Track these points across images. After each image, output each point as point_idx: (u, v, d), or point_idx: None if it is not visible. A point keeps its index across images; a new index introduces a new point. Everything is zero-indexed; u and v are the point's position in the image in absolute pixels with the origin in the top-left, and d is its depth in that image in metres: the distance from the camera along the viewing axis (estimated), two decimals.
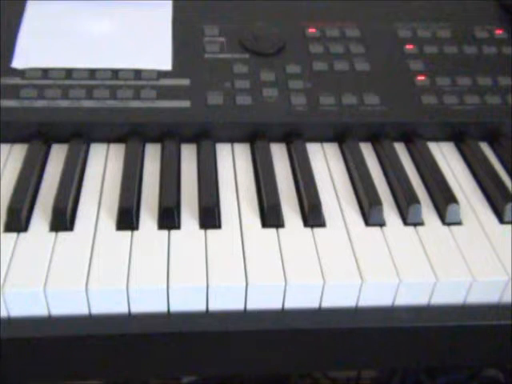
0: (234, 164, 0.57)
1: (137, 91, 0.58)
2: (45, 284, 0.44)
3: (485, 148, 0.61)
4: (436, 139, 0.61)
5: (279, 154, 0.58)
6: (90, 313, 0.45)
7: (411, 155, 0.60)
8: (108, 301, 0.45)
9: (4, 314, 0.45)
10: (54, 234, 0.48)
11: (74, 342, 0.45)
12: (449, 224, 0.52)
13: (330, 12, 0.68)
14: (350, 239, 0.50)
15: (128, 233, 0.49)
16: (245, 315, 0.47)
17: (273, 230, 0.50)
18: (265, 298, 0.46)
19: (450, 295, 0.48)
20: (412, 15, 0.69)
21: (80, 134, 0.57)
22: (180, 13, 0.66)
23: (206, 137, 0.58)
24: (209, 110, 0.58)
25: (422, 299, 0.48)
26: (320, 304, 0.47)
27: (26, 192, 0.51)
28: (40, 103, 0.56)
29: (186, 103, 0.58)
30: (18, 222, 0.48)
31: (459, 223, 0.52)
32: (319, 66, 0.63)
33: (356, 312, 0.48)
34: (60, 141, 0.57)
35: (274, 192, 0.52)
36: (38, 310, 0.44)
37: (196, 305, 0.46)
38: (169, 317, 0.46)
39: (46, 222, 0.49)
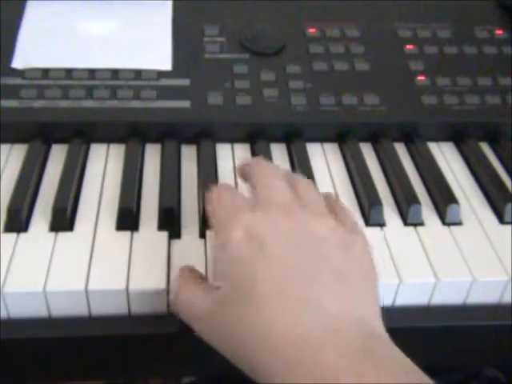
0: (234, 164, 0.57)
1: (137, 91, 0.58)
2: (45, 284, 0.44)
3: (485, 148, 0.61)
4: (436, 139, 0.61)
5: (279, 154, 0.58)
6: (89, 313, 0.45)
7: (411, 155, 0.60)
8: (108, 301, 0.44)
9: (4, 314, 0.45)
10: (53, 234, 0.48)
11: (74, 342, 0.45)
12: (449, 224, 0.52)
13: (330, 12, 0.68)
14: None
15: (128, 233, 0.48)
16: None
17: None
18: None
19: (449, 295, 0.48)
20: (412, 15, 0.69)
21: (80, 134, 0.57)
22: (180, 13, 0.66)
23: (206, 137, 0.58)
24: (209, 109, 0.58)
25: (421, 299, 0.48)
26: None
27: (26, 192, 0.50)
28: (40, 103, 0.56)
29: (185, 103, 0.58)
30: (17, 222, 0.48)
31: (459, 223, 0.52)
32: (319, 65, 0.63)
33: None
34: (60, 141, 0.57)
35: None
36: (38, 310, 0.44)
37: None
38: (169, 317, 0.46)
39: (45, 222, 0.49)
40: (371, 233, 0.50)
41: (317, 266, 0.37)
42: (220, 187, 0.44)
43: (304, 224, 0.39)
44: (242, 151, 0.59)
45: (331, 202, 0.44)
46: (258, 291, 0.36)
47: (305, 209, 0.40)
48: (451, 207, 0.52)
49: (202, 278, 0.42)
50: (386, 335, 0.36)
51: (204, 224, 0.49)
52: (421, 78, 0.63)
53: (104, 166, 0.56)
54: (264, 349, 0.35)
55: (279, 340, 0.34)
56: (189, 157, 0.57)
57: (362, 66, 0.63)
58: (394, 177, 0.56)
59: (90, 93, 0.58)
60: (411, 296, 0.47)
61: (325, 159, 0.58)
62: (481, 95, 0.61)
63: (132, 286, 0.44)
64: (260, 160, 0.47)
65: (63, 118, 0.56)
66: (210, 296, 0.39)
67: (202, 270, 0.45)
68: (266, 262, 0.36)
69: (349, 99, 0.60)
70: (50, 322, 0.45)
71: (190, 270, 0.43)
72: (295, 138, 0.59)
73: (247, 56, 0.63)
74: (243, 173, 0.46)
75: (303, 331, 0.34)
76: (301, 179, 0.45)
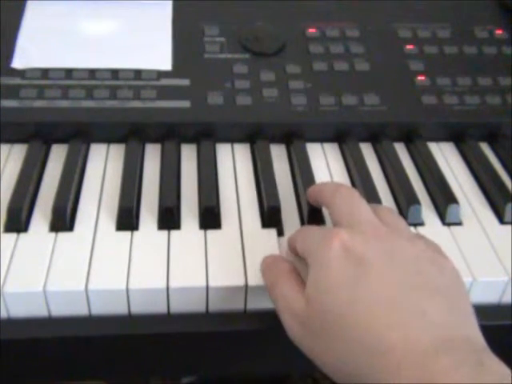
0: (233, 164, 0.57)
1: (137, 91, 0.58)
2: (45, 284, 0.44)
3: (485, 148, 0.61)
4: (436, 139, 0.61)
5: (279, 154, 0.58)
6: (89, 313, 0.45)
7: (411, 155, 0.60)
8: (108, 301, 0.45)
9: (4, 314, 0.45)
10: (53, 234, 0.48)
11: (74, 342, 0.45)
12: (449, 224, 0.52)
13: (330, 12, 0.68)
14: None
15: (128, 233, 0.49)
16: (244, 315, 0.47)
17: (273, 231, 0.50)
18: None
19: None
20: (412, 15, 0.69)
21: (80, 134, 0.57)
22: (180, 13, 0.66)
23: (206, 137, 0.58)
24: (209, 110, 0.58)
25: None
26: None
27: (26, 192, 0.51)
28: (40, 103, 0.56)
29: (185, 103, 0.58)
30: (17, 222, 0.48)
31: (459, 223, 0.52)
32: (319, 65, 0.63)
33: None
34: (60, 141, 0.57)
35: (274, 192, 0.52)
36: (38, 310, 0.44)
37: (196, 305, 0.46)
38: (169, 317, 0.46)
39: (46, 222, 0.49)
40: None
41: (416, 281, 0.37)
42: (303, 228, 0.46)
43: (395, 243, 0.39)
44: (242, 151, 0.59)
45: (414, 232, 0.45)
46: (362, 304, 0.36)
47: (391, 230, 0.41)
48: (451, 207, 0.52)
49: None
50: (489, 349, 0.36)
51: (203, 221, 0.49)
52: (421, 77, 0.63)
53: (104, 165, 0.56)
54: (370, 355, 0.35)
55: (388, 346, 0.34)
56: (189, 157, 0.57)
57: (362, 66, 0.63)
58: (394, 177, 0.56)
59: (89, 93, 0.58)
60: None
61: (325, 159, 0.59)
62: (481, 95, 0.61)
63: (132, 286, 0.44)
64: (336, 184, 0.47)
65: (63, 118, 0.56)
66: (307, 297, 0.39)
67: (201, 267, 0.45)
68: (367, 276, 0.37)
69: (349, 99, 0.60)
70: (50, 322, 0.45)
71: (293, 268, 0.42)
72: (295, 137, 0.59)
73: (247, 56, 0.63)
74: (318, 195, 0.47)
75: (414, 338, 0.34)
76: (382, 206, 0.48)
